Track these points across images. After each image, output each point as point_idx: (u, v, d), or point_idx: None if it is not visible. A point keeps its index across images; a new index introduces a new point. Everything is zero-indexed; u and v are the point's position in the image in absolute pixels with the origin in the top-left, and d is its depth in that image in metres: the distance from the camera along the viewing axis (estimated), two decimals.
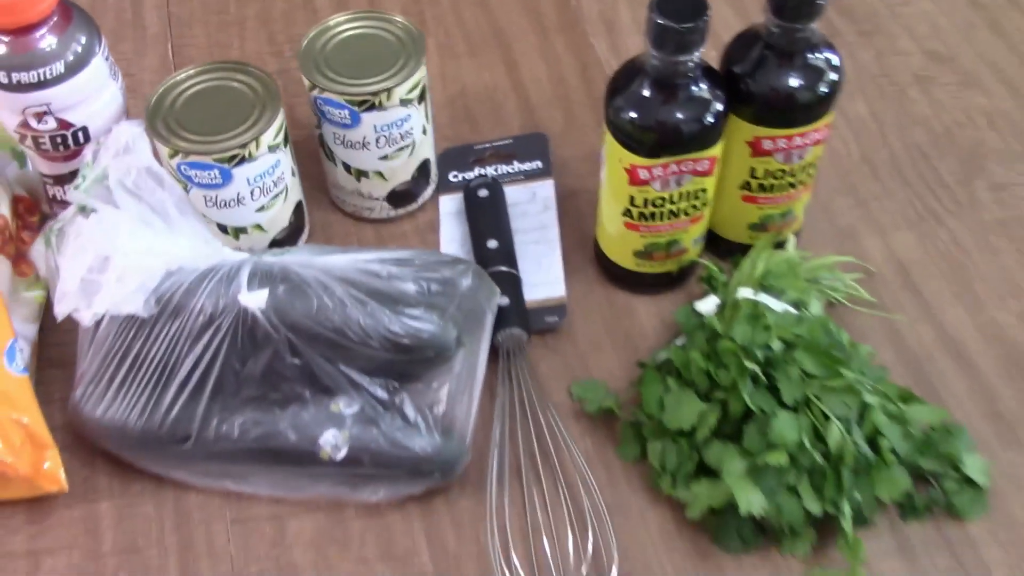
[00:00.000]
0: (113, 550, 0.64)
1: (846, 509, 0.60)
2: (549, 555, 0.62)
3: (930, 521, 0.65)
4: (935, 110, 0.86)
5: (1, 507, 0.66)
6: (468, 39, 0.92)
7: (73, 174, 0.69)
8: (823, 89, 0.66)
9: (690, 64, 0.62)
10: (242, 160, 0.68)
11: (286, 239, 0.75)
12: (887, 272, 0.76)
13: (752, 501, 0.60)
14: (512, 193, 0.79)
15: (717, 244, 0.75)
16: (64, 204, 0.69)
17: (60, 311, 0.62)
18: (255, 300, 0.62)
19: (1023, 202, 0.80)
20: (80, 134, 0.68)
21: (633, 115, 0.64)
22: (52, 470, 0.64)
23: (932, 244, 0.78)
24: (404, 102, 0.72)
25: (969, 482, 0.65)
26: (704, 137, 0.65)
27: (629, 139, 0.65)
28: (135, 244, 0.62)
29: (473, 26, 0.93)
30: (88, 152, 0.65)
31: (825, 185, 0.81)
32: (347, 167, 0.75)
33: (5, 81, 0.65)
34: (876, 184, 0.81)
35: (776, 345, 0.63)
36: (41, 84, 0.65)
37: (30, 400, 0.65)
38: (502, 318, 0.70)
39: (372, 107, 0.71)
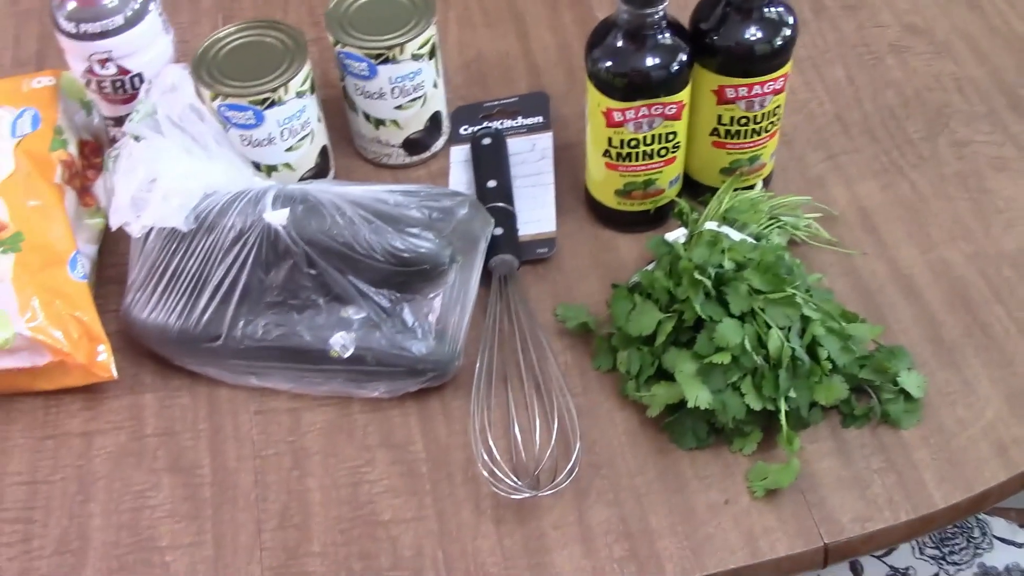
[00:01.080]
0: (154, 433, 0.75)
1: (782, 406, 0.69)
2: (522, 443, 0.72)
3: (868, 428, 0.73)
4: (907, 75, 0.93)
5: (61, 394, 0.77)
6: (485, 11, 1.02)
7: (130, 116, 0.80)
8: (778, 42, 0.74)
9: (656, 17, 0.71)
10: (272, 103, 0.78)
11: (313, 179, 0.85)
12: (849, 216, 0.84)
13: (700, 397, 0.68)
14: (514, 144, 0.89)
15: (693, 187, 0.84)
16: None
17: (114, 222, 0.73)
18: (278, 218, 0.72)
19: (981, 157, 0.87)
20: (136, 79, 0.79)
21: (608, 63, 0.73)
22: (104, 362, 0.75)
23: (893, 192, 0.85)
24: (416, 57, 0.82)
25: (906, 395, 0.73)
26: (671, 83, 0.74)
27: (605, 85, 0.74)
28: (178, 168, 0.73)
29: (490, 1, 1.03)
30: (142, 91, 0.76)
31: (799, 140, 0.89)
32: (367, 116, 0.86)
33: (74, 31, 0.76)
34: (847, 140, 0.89)
35: (728, 264, 0.71)
36: (104, 34, 0.76)
37: (88, 301, 0.76)
38: (496, 246, 0.79)
39: (387, 60, 0.81)
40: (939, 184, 0.86)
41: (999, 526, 1.05)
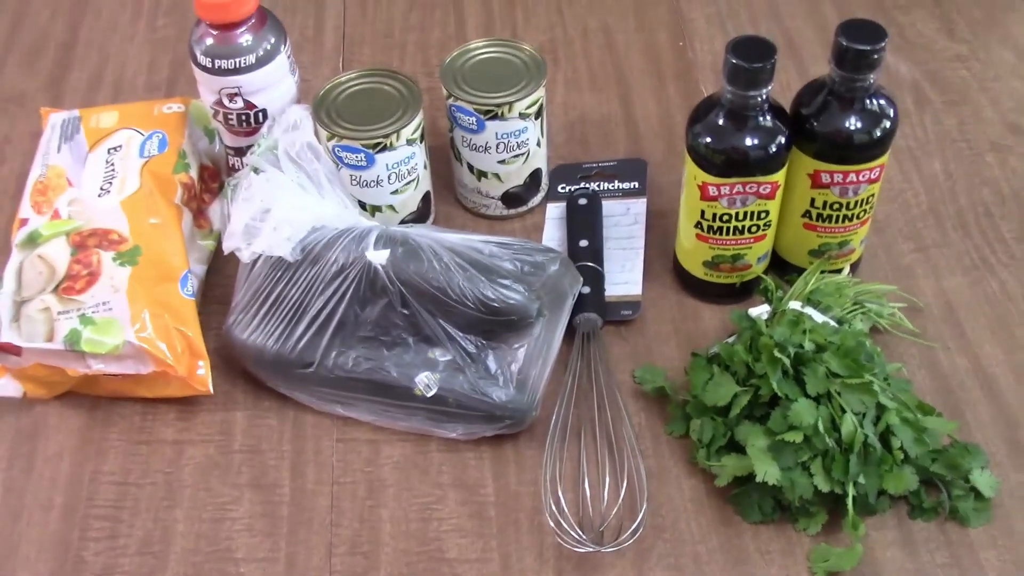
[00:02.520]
0: (241, 449, 0.79)
1: (850, 490, 0.69)
2: (590, 498, 0.73)
3: (935, 523, 0.73)
4: (1006, 174, 0.94)
5: (159, 403, 0.81)
6: (592, 76, 1.05)
7: (250, 147, 0.85)
8: (877, 133, 0.76)
9: (758, 99, 0.73)
10: (384, 148, 0.83)
11: (413, 223, 0.89)
12: (935, 309, 0.85)
13: (769, 472, 0.69)
14: (609, 206, 0.92)
15: (781, 266, 0.85)
16: None
17: (227, 247, 0.77)
18: (379, 257, 0.76)
19: None
20: (260, 114, 0.85)
21: (708, 139, 0.76)
22: (203, 376, 0.79)
23: (982, 289, 0.86)
24: (523, 116, 0.85)
25: (977, 494, 0.73)
26: (767, 163, 0.76)
27: (703, 160, 0.76)
28: (291, 201, 0.77)
29: (598, 66, 1.06)
30: (265, 126, 0.81)
31: (891, 228, 0.90)
32: (470, 167, 0.89)
33: (209, 65, 0.82)
34: (939, 233, 0.90)
35: (808, 345, 0.72)
36: (236, 71, 0.82)
37: (194, 318, 0.80)
38: (583, 304, 0.82)
39: (495, 116, 0.85)
40: None
41: None
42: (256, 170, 0.78)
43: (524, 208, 0.93)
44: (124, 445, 0.80)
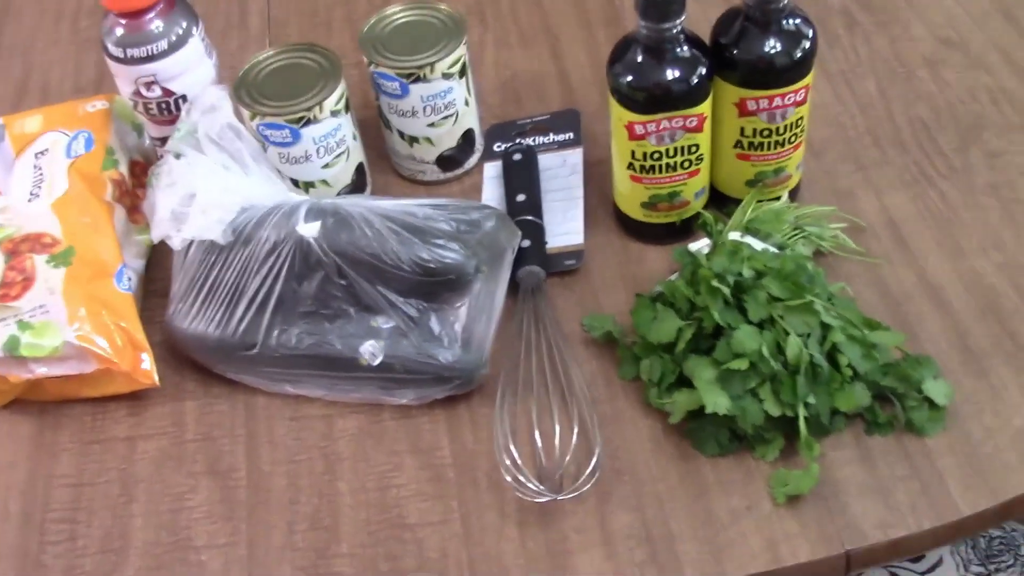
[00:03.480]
0: (194, 438, 0.78)
1: (801, 412, 0.69)
2: (543, 448, 0.73)
3: (892, 436, 0.73)
4: (940, 87, 0.93)
5: (108, 401, 0.80)
6: (521, 33, 1.04)
7: None
8: (798, 54, 0.75)
9: (673, 31, 0.73)
10: (308, 122, 0.82)
11: (350, 195, 0.88)
12: (878, 227, 0.84)
13: (719, 403, 0.69)
14: (546, 159, 0.91)
15: (719, 200, 0.85)
16: None
17: (156, 235, 0.77)
18: (310, 230, 0.75)
19: (1015, 168, 0.87)
20: (180, 101, 0.83)
21: (628, 78, 0.75)
22: (147, 369, 0.78)
23: (923, 203, 0.85)
24: (446, 76, 0.84)
25: (931, 403, 0.73)
26: (690, 95, 0.75)
27: (626, 99, 0.76)
28: (216, 184, 0.76)
29: (527, 22, 1.05)
30: (183, 110, 0.80)
31: (829, 152, 0.89)
32: (401, 134, 0.88)
33: (121, 55, 0.81)
34: (877, 152, 0.89)
35: (747, 273, 0.72)
36: (149, 58, 0.81)
37: (132, 312, 0.79)
38: (524, 258, 0.81)
39: (418, 79, 0.84)
40: (970, 194, 0.85)
41: None
42: (177, 155, 0.77)
43: (461, 170, 0.92)
44: (76, 446, 0.79)
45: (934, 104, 0.92)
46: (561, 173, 0.90)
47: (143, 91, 0.83)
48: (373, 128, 0.93)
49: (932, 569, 1.03)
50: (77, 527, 0.74)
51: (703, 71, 0.75)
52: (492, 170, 0.92)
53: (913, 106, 0.92)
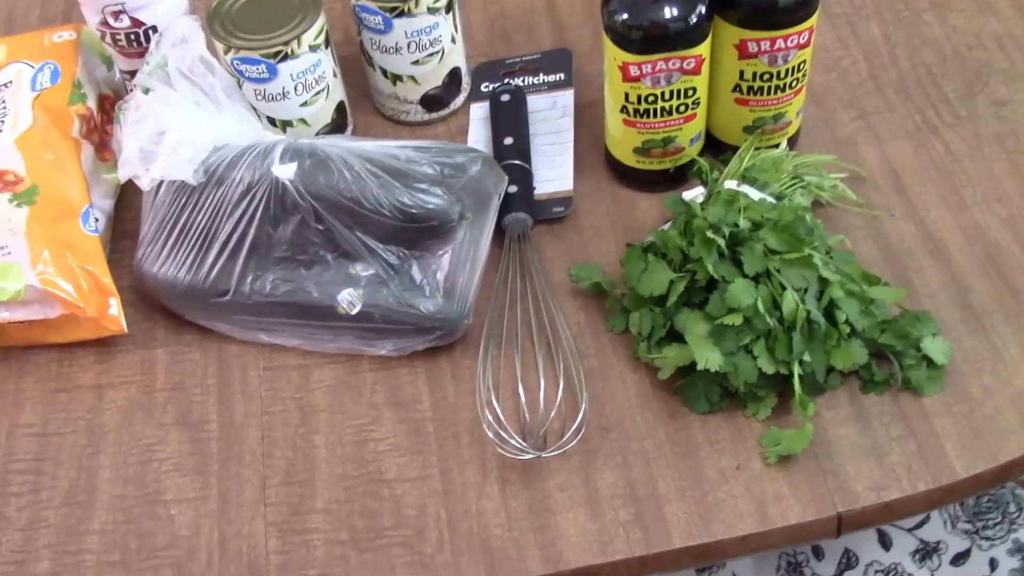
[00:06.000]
0: (164, 387, 0.75)
1: (796, 370, 0.66)
2: (527, 404, 0.70)
3: (888, 395, 0.70)
4: (946, 32, 0.90)
5: (74, 348, 0.77)
6: None
7: None
8: None
9: None
10: (286, 56, 0.77)
11: (329, 135, 0.84)
12: (879, 177, 0.81)
13: (711, 359, 0.66)
14: (535, 101, 0.87)
15: (716, 146, 0.81)
16: None
17: (123, 174, 0.73)
18: (285, 172, 0.72)
19: (1022, 118, 0.83)
20: (150, 32, 0.79)
21: (624, 15, 0.71)
22: (115, 315, 0.75)
23: (926, 153, 0.82)
24: (431, 10, 0.80)
25: (929, 362, 0.70)
26: (688, 35, 0.71)
27: (621, 38, 0.72)
28: (187, 121, 0.72)
29: None
30: (152, 42, 0.76)
31: (830, 98, 0.86)
32: (384, 72, 0.84)
33: None
34: (880, 99, 0.86)
35: (744, 224, 0.69)
36: None
37: (99, 255, 0.76)
38: (510, 204, 0.78)
39: (402, 14, 0.79)
40: (975, 145, 0.82)
41: None
42: (146, 90, 0.73)
43: (446, 111, 0.88)
44: (41, 395, 0.76)
45: (939, 49, 0.89)
46: (551, 116, 0.86)
47: (111, 21, 0.78)
48: (355, 65, 0.89)
49: (919, 526, 1.02)
50: (42, 479, 0.72)
51: (702, 10, 0.71)
52: (479, 111, 0.88)
53: (918, 51, 0.89)
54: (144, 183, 0.73)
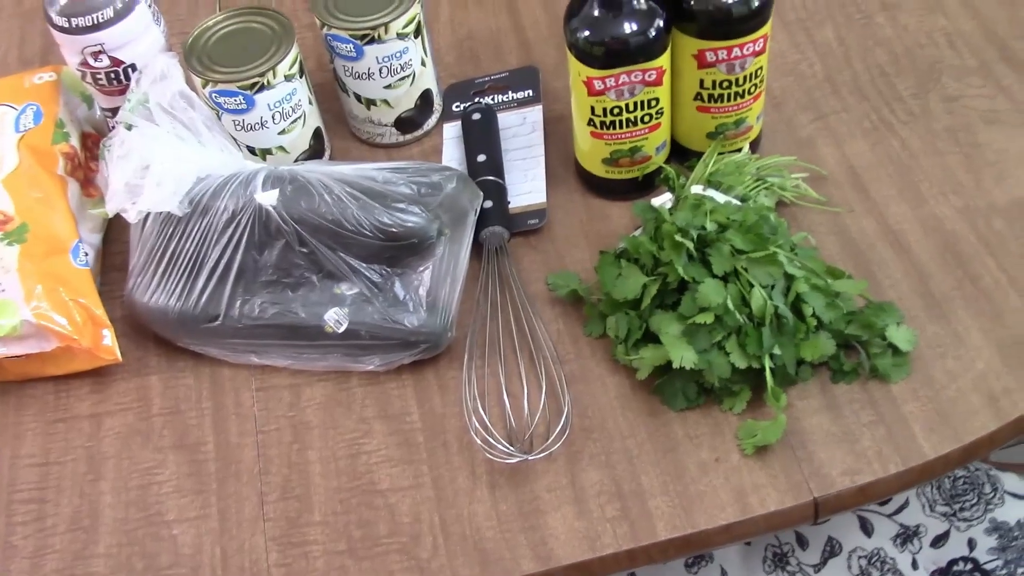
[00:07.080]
0: (160, 412, 0.78)
1: (767, 363, 0.69)
2: (512, 409, 0.73)
3: (857, 384, 0.73)
4: (897, 32, 0.93)
5: (71, 379, 0.79)
6: None
7: None
8: (755, 3, 0.74)
9: None
10: (262, 87, 0.80)
11: (308, 161, 0.87)
12: (839, 176, 0.84)
13: (685, 357, 0.69)
14: (505, 118, 0.90)
15: (681, 153, 0.84)
16: None
17: (111, 208, 0.75)
18: (268, 198, 0.74)
19: (972, 111, 0.87)
20: (129, 70, 0.81)
21: (586, 33, 0.74)
22: (109, 345, 0.77)
23: (883, 150, 0.85)
24: (401, 36, 0.83)
25: (895, 350, 0.73)
26: (648, 49, 0.74)
27: (584, 54, 0.75)
28: (170, 154, 0.75)
29: None
30: (133, 80, 0.78)
31: (789, 102, 0.89)
32: (358, 96, 0.87)
33: (66, 25, 0.78)
34: (836, 100, 0.89)
35: (711, 226, 0.72)
36: (95, 27, 0.78)
37: (90, 287, 0.78)
38: (486, 219, 0.81)
39: (372, 40, 0.82)
40: (929, 140, 0.86)
41: (1011, 481, 1.05)
42: (128, 126, 0.75)
43: (420, 132, 0.91)
44: (40, 426, 0.78)
45: (892, 49, 0.92)
46: (521, 131, 0.89)
47: (90, 61, 0.81)
48: (329, 92, 0.92)
49: (899, 511, 1.05)
50: (45, 507, 0.74)
51: (660, 23, 0.74)
52: (452, 131, 0.91)
53: (871, 52, 0.92)
54: (131, 216, 0.75)
